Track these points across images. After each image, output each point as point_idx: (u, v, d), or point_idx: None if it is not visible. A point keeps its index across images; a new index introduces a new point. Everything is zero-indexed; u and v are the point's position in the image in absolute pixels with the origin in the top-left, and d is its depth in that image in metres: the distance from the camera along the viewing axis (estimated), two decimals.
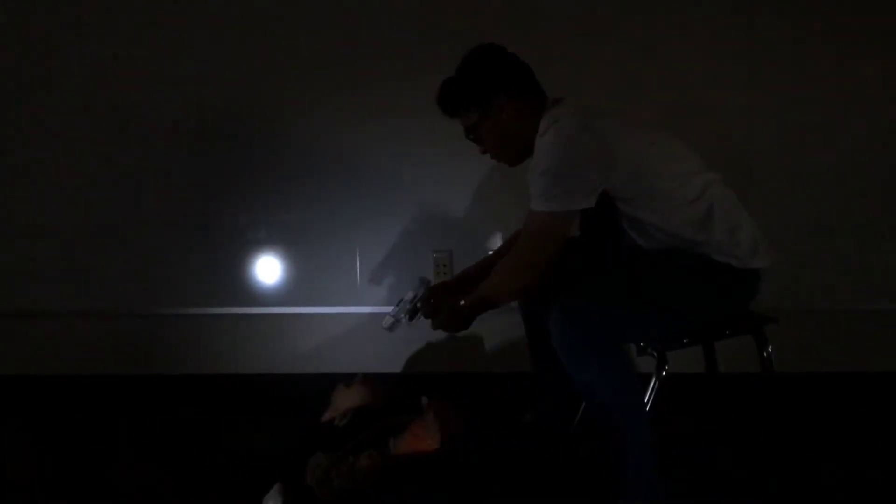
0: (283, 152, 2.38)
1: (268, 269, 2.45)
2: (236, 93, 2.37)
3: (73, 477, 1.80)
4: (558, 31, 2.27)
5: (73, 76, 2.37)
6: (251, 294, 2.45)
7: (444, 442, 1.62)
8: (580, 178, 1.48)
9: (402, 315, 1.84)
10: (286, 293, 2.46)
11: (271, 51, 2.33)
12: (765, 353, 1.68)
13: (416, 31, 2.29)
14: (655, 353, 1.57)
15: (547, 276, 1.54)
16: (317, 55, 2.32)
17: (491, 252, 2.07)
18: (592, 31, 2.28)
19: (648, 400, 1.55)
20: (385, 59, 2.31)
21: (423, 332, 1.93)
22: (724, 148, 2.26)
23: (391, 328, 1.84)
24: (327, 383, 1.99)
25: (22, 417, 2.19)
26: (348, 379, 1.96)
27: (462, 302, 1.67)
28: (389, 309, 1.88)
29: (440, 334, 2.37)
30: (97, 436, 2.03)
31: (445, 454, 1.58)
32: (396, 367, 2.43)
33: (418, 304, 1.83)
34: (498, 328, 2.40)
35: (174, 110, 2.37)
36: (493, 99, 1.59)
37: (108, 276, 2.46)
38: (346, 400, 1.88)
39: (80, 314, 2.48)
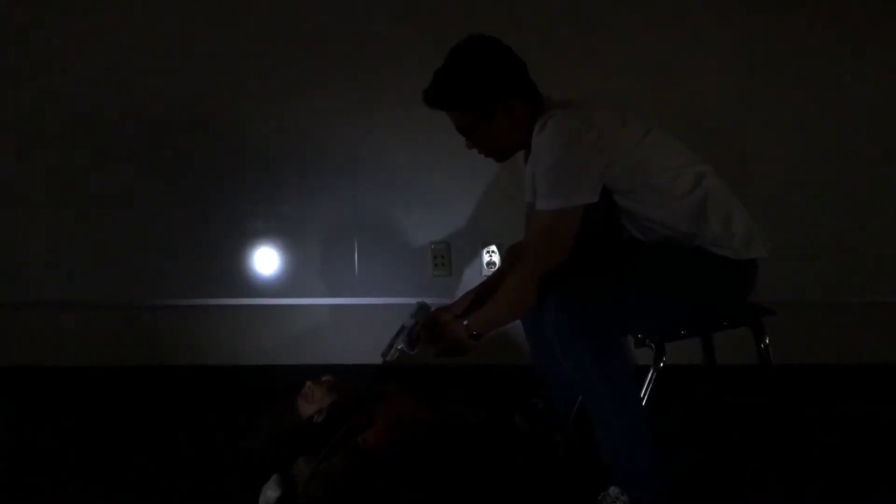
0: (281, 144, 2.37)
1: (265, 261, 2.45)
2: (233, 84, 2.35)
3: (70, 468, 1.80)
4: (554, 24, 2.26)
5: (71, 71, 2.35)
6: (249, 285, 2.45)
7: (397, 434, 1.60)
8: (583, 171, 1.47)
9: (403, 344, 1.75)
10: (283, 284, 2.45)
11: (269, 41, 2.32)
12: (762, 345, 1.68)
13: (415, 22, 2.28)
14: (653, 345, 1.58)
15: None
16: (314, 46, 2.31)
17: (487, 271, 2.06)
18: (588, 26, 2.27)
19: (646, 391, 1.55)
20: (383, 50, 2.30)
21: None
22: (721, 141, 2.26)
23: (393, 358, 1.76)
24: (323, 374, 1.99)
25: (19, 410, 2.19)
26: (303, 389, 1.93)
27: (466, 322, 1.60)
28: (385, 300, 1.88)
29: None
30: (94, 427, 2.03)
31: (405, 445, 1.56)
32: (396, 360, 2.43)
33: (419, 332, 1.75)
34: None
35: (171, 102, 2.36)
36: (496, 102, 1.57)
37: (104, 268, 2.45)
38: (306, 408, 1.85)
39: (75, 306, 2.47)
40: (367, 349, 1.98)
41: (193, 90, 2.36)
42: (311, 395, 1.86)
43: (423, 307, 1.80)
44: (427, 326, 1.73)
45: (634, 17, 2.26)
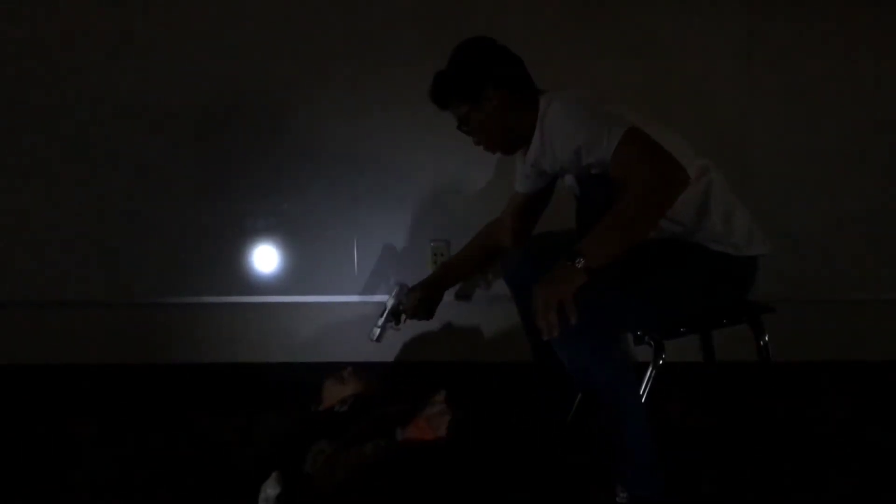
0: (282, 142, 2.37)
1: (266, 259, 2.45)
2: (235, 83, 2.35)
3: (71, 466, 1.80)
4: (553, 20, 2.26)
5: (73, 67, 2.35)
6: (249, 283, 2.45)
7: (447, 432, 1.62)
8: (611, 109, 1.48)
9: (388, 322, 1.90)
10: (284, 282, 2.45)
11: (271, 41, 2.32)
12: (762, 342, 1.68)
13: (415, 23, 2.28)
14: (652, 342, 1.58)
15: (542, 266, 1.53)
16: (316, 46, 2.31)
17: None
18: (588, 22, 2.27)
19: (645, 389, 1.55)
20: (384, 50, 2.30)
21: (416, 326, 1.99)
22: (720, 137, 2.26)
23: (378, 338, 1.91)
24: (325, 372, 1.99)
25: (21, 407, 2.19)
26: (336, 372, 1.95)
27: (580, 259, 1.32)
28: (385, 298, 1.91)
29: (429, 325, 2.36)
30: (95, 424, 2.04)
31: (449, 445, 1.58)
32: (393, 356, 2.43)
33: (401, 308, 1.90)
34: (494, 317, 2.41)
35: (173, 101, 2.36)
36: (480, 91, 1.60)
37: (105, 266, 2.46)
38: (337, 392, 1.87)
39: (76, 304, 2.48)
40: (367, 347, 1.99)
41: (190, 90, 2.36)
42: (346, 381, 1.88)
43: (400, 286, 1.94)
44: (409, 302, 1.88)
45: (635, 14, 2.26)
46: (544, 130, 1.55)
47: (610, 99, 1.59)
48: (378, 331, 1.90)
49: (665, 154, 1.37)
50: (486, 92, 1.60)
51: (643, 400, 1.54)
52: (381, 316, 1.90)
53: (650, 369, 1.57)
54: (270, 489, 1.54)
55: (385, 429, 1.63)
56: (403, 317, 1.92)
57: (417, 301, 1.89)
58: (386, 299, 1.95)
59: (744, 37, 2.26)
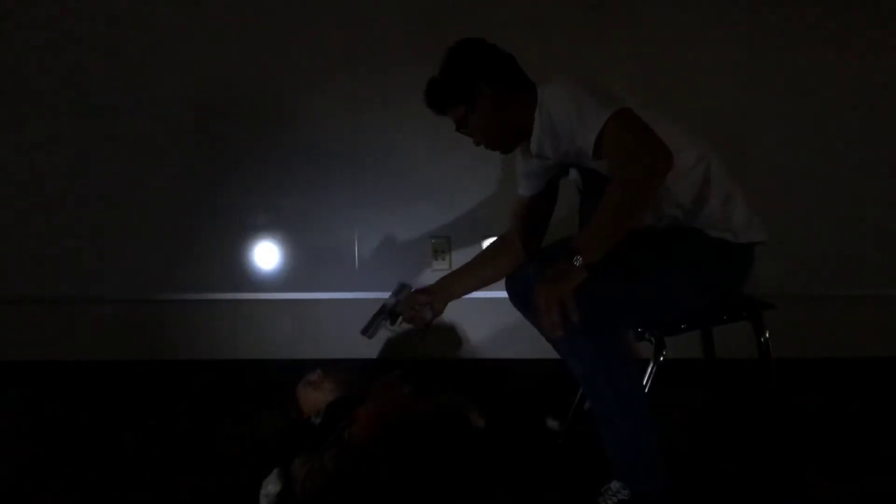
0: (283, 139, 2.37)
1: (266, 255, 2.45)
2: (235, 79, 2.35)
3: (74, 461, 1.80)
4: (553, 14, 2.25)
5: (75, 63, 2.35)
6: (250, 280, 2.45)
7: (380, 428, 1.61)
8: (608, 87, 1.47)
9: (383, 320, 1.82)
10: (284, 279, 2.45)
11: (272, 38, 2.31)
12: (762, 339, 1.68)
13: (415, 21, 2.27)
14: (653, 339, 1.57)
15: (541, 261, 1.52)
16: (317, 42, 2.31)
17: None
18: (587, 14, 2.26)
19: (646, 385, 1.55)
20: (384, 46, 2.29)
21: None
22: (721, 132, 2.23)
23: (370, 333, 1.82)
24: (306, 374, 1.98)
25: (20, 404, 2.19)
26: (308, 376, 1.94)
27: (576, 255, 1.34)
28: (385, 295, 1.90)
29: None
30: (94, 421, 2.04)
31: (390, 438, 1.57)
32: (393, 353, 2.43)
33: (398, 309, 1.82)
34: (491, 314, 2.41)
35: (174, 97, 2.36)
36: (473, 91, 1.60)
37: (105, 263, 2.46)
38: (314, 398, 1.86)
39: (76, 300, 2.48)
40: (367, 344, 1.99)
41: (191, 89, 2.35)
42: (320, 386, 1.86)
43: (403, 286, 1.86)
44: (408, 307, 1.78)
45: (636, 7, 2.25)
46: (543, 110, 1.54)
47: (609, 82, 1.58)
48: (371, 327, 1.85)
49: (651, 137, 1.36)
50: (480, 91, 1.59)
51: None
52: (378, 313, 1.84)
53: (651, 366, 1.57)
54: (271, 486, 1.55)
55: (340, 437, 1.62)
56: (399, 319, 1.84)
57: (416, 308, 1.80)
58: (383, 295, 1.93)
59: (745, 29, 2.26)
